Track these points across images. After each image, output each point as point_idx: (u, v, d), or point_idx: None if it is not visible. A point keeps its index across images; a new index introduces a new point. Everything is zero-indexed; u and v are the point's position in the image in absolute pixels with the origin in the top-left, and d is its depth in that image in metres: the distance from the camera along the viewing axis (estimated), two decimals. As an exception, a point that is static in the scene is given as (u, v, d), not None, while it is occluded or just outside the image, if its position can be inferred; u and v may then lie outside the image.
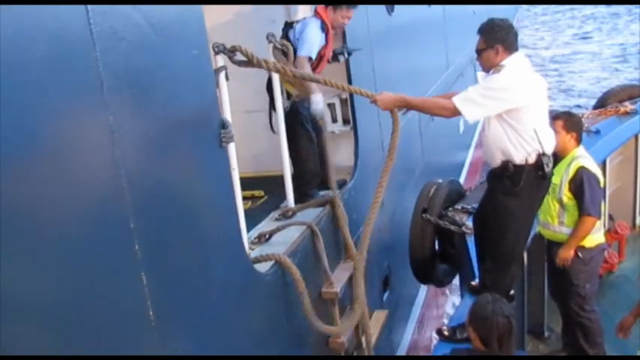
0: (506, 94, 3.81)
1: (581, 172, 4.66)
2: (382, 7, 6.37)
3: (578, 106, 16.81)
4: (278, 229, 3.96)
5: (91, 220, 2.00)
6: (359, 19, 5.16)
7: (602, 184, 4.79)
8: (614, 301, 5.93)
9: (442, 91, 7.55)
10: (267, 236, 3.88)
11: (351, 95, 5.10)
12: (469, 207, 5.57)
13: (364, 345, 4.33)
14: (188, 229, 2.53)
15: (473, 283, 4.92)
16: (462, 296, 5.02)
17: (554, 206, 4.83)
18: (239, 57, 3.31)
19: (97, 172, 2.05)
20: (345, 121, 5.61)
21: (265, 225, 4.19)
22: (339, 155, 5.36)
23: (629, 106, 7.53)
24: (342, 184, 4.94)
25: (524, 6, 43.32)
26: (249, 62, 3.27)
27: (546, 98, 4.12)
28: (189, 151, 2.63)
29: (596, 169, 4.76)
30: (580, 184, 4.63)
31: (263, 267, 3.30)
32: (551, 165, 4.02)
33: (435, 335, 5.42)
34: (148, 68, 2.32)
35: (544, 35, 35.78)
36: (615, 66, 23.89)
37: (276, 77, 4.18)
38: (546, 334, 5.67)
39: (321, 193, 4.73)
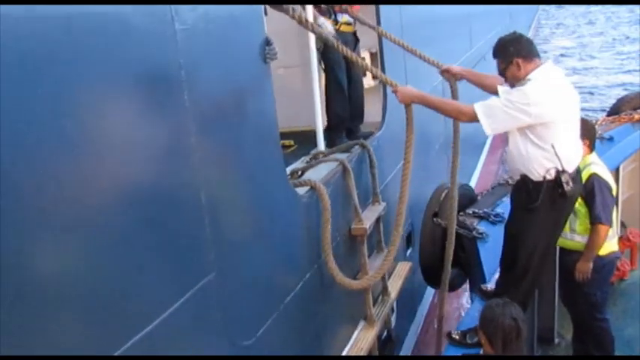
0: (529, 109, 3.67)
1: (593, 179, 4.62)
2: None
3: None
4: (311, 166, 4.04)
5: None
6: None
7: (614, 192, 4.76)
8: (625, 309, 5.89)
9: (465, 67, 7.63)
10: (299, 172, 3.90)
11: (381, 49, 5.18)
12: (480, 211, 5.58)
13: (389, 289, 4.53)
14: (241, 155, 2.88)
15: (484, 286, 4.91)
16: (472, 300, 5.00)
17: None
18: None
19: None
20: (374, 76, 5.64)
21: (297, 165, 4.23)
22: (367, 110, 5.41)
23: (643, 113, 7.49)
24: (367, 136, 5.01)
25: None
26: (280, 8, 3.21)
27: (576, 112, 4.00)
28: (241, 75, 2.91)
29: (608, 177, 4.73)
30: (591, 191, 4.59)
31: (300, 191, 3.55)
32: (572, 183, 3.88)
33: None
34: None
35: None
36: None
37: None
38: (556, 340, 5.65)
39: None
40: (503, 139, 13.39)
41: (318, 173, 3.93)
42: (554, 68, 3.96)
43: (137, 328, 2.13)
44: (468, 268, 5.52)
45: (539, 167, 3.86)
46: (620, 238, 6.40)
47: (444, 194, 5.54)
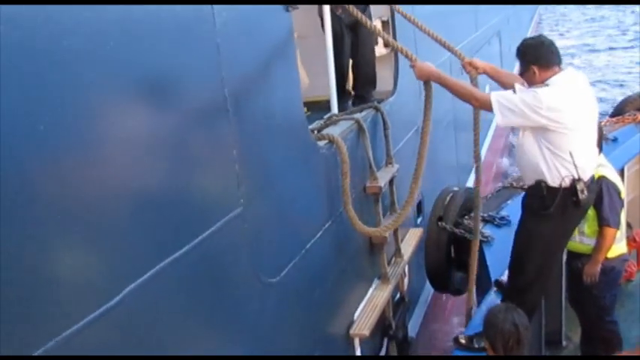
0: (541, 112, 3.66)
1: (601, 181, 4.59)
2: None
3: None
4: (327, 125, 4.09)
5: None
6: None
7: (622, 194, 4.74)
8: (632, 310, 5.86)
9: (467, 50, 7.66)
10: (315, 132, 3.92)
11: (393, 18, 5.27)
12: (485, 215, 5.56)
13: (402, 251, 4.70)
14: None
15: (500, 279, 4.90)
16: (478, 304, 4.99)
17: None
18: None
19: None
20: (386, 44, 5.80)
21: (312, 126, 4.29)
22: (378, 78, 5.49)
23: (646, 114, 7.47)
24: (379, 102, 5.07)
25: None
26: None
27: (594, 120, 3.97)
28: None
29: (616, 179, 4.73)
30: (599, 193, 4.56)
31: (319, 143, 3.71)
32: (587, 192, 3.84)
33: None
34: None
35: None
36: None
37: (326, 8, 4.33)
38: (564, 343, 5.62)
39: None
40: (503, 145, 13.39)
41: (335, 131, 4.01)
42: (574, 75, 3.91)
43: (167, 253, 2.23)
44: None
45: (556, 174, 3.82)
46: (627, 240, 6.38)
47: (448, 198, 5.54)
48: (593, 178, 4.05)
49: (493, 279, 5.03)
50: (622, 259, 4.88)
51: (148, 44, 2.18)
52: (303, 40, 4.78)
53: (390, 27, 5.44)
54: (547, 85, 3.76)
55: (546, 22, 37.58)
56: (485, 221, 5.51)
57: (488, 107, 3.76)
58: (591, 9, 41.55)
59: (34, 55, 1.71)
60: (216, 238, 2.50)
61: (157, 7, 2.22)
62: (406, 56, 4.11)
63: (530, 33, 24.59)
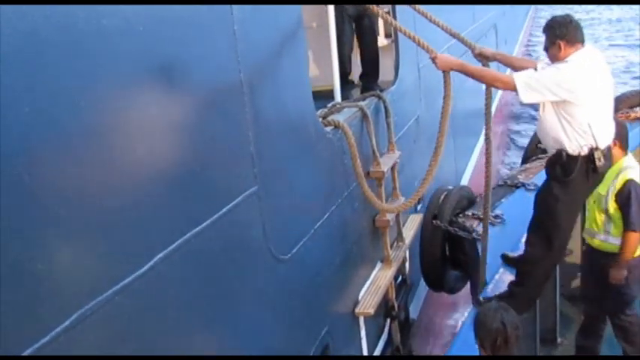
0: (562, 86, 3.90)
1: (629, 184, 4.61)
2: None
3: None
4: (331, 112, 4.19)
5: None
6: None
7: None
8: None
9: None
10: (321, 118, 4.03)
11: (394, 9, 5.35)
12: (479, 213, 5.57)
13: (404, 235, 4.87)
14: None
15: (510, 254, 5.01)
16: (473, 303, 5.00)
17: (600, 216, 4.80)
18: None
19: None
20: (387, 35, 5.97)
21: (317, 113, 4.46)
22: (380, 68, 5.63)
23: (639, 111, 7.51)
24: (381, 90, 5.15)
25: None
26: None
27: (610, 94, 4.23)
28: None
29: None
30: (627, 197, 4.58)
31: (326, 129, 3.86)
32: (603, 159, 4.10)
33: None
34: None
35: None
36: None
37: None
38: (559, 340, 5.65)
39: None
40: (498, 142, 13.41)
41: (339, 118, 4.12)
42: (592, 52, 4.15)
43: (188, 227, 2.35)
44: (469, 270, 5.53)
45: (575, 143, 4.05)
46: None
47: (442, 196, 5.55)
48: (609, 147, 4.24)
49: (488, 275, 5.03)
50: None
51: (171, 34, 2.30)
52: (306, 30, 4.85)
53: (391, 15, 5.46)
54: (566, 61, 3.98)
55: (545, 17, 37.58)
56: (480, 220, 5.51)
57: (512, 87, 3.97)
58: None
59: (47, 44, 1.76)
60: (233, 215, 2.65)
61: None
62: (427, 50, 4.19)
63: (525, 26, 24.67)
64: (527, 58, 4.47)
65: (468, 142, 10.45)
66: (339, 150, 3.92)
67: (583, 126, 3.99)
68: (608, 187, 4.69)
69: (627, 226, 4.61)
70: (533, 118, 15.30)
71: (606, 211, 4.75)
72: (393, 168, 4.77)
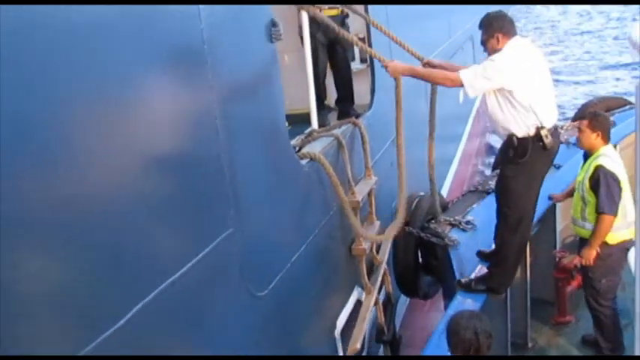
0: (500, 73, 4.21)
1: (599, 170, 4.84)
2: None
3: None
4: (308, 141, 4.27)
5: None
6: None
7: (623, 184, 4.89)
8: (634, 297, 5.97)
9: (442, 56, 8.01)
10: (296, 148, 4.09)
11: (369, 35, 5.54)
12: (451, 219, 5.62)
13: (379, 256, 4.88)
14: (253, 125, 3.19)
15: (483, 250, 5.20)
16: (446, 308, 5.04)
17: (579, 203, 5.07)
18: None
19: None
20: (363, 60, 6.13)
21: (294, 142, 4.40)
22: (357, 92, 5.76)
23: (606, 117, 7.64)
24: (357, 116, 5.25)
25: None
26: None
27: (546, 77, 4.50)
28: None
29: (615, 168, 4.89)
30: (597, 181, 4.83)
31: (302, 162, 3.89)
32: (550, 137, 4.34)
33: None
34: None
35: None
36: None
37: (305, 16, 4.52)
38: (529, 344, 5.71)
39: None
40: (477, 147, 13.52)
41: (315, 147, 4.18)
42: (524, 41, 4.50)
43: (167, 274, 2.36)
44: (441, 276, 5.57)
45: (522, 125, 4.33)
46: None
47: (414, 203, 5.59)
48: (556, 127, 4.52)
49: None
50: (622, 246, 5.01)
51: (136, 67, 2.25)
52: (282, 54, 4.87)
53: (366, 41, 5.58)
54: (501, 51, 4.31)
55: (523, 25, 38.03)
56: (452, 225, 5.57)
57: (460, 83, 4.30)
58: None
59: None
60: (210, 258, 2.65)
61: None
62: (378, 59, 4.42)
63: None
64: (452, 64, 4.86)
65: (446, 149, 10.54)
66: (315, 181, 3.97)
67: (526, 107, 4.27)
68: (584, 174, 4.96)
69: (597, 208, 4.84)
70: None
71: (583, 197, 5.00)
72: (370, 193, 4.79)
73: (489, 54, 4.43)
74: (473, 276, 4.99)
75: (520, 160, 4.39)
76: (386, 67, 4.39)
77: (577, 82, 21.96)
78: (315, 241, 3.92)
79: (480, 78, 4.24)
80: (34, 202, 1.79)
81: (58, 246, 1.89)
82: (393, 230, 4.59)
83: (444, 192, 9.30)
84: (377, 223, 4.80)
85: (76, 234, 1.94)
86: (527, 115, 4.29)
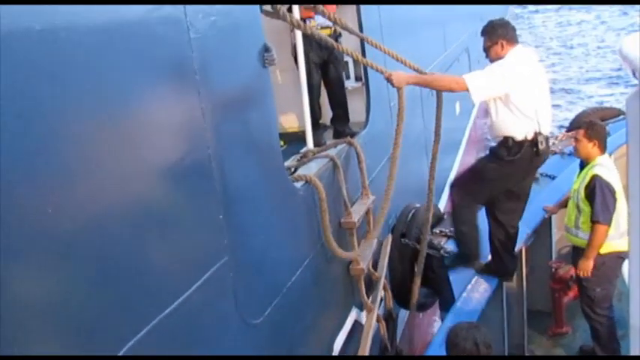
0: (506, 80, 4.28)
1: (595, 179, 4.86)
2: None
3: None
4: (303, 163, 4.26)
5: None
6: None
7: (618, 194, 4.91)
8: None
9: (439, 70, 8.11)
10: (292, 169, 4.08)
11: (363, 52, 5.41)
12: (447, 230, 5.62)
13: (377, 272, 4.83)
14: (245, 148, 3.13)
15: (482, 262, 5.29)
16: (442, 320, 5.03)
17: (574, 211, 5.10)
18: (267, 7, 3.47)
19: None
20: (358, 78, 6.10)
21: (288, 162, 4.37)
22: (352, 110, 5.73)
23: (601, 127, 7.67)
24: (353, 135, 5.21)
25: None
26: (275, 13, 3.44)
27: (546, 85, 4.64)
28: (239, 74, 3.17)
29: (611, 178, 4.92)
30: (592, 190, 4.85)
31: (297, 185, 3.83)
32: (545, 144, 4.47)
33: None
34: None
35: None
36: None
37: (299, 33, 4.49)
38: (527, 355, 5.70)
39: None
40: (474, 160, 13.52)
41: (310, 169, 4.16)
42: (527, 49, 4.63)
43: (161, 308, 2.31)
44: (437, 287, 5.56)
45: (521, 130, 4.42)
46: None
47: (410, 215, 5.58)
48: (548, 136, 4.61)
49: (457, 291, 5.07)
50: (616, 256, 5.02)
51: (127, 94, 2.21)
52: (276, 74, 4.89)
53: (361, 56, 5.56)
54: (505, 58, 4.41)
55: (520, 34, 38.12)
56: (448, 237, 5.57)
57: (465, 88, 4.29)
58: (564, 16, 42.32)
59: None
60: (204, 288, 2.60)
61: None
62: (380, 71, 4.36)
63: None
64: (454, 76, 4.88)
65: (443, 161, 10.53)
66: (310, 204, 3.92)
67: (526, 113, 4.36)
68: (580, 182, 4.99)
69: (592, 217, 4.86)
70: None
71: (578, 206, 5.02)
72: (367, 212, 4.77)
73: (491, 60, 4.52)
74: (460, 304, 5.02)
75: (509, 158, 4.49)
76: (389, 79, 4.31)
77: (570, 92, 22.09)
78: (312, 265, 3.87)
79: (484, 84, 4.29)
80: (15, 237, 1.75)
81: (49, 276, 1.86)
82: (369, 249, 4.59)
83: (441, 204, 9.31)
84: (374, 242, 4.77)
85: (67, 267, 1.91)
86: (527, 121, 4.37)
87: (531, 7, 37.90)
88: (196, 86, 2.62)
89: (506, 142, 4.50)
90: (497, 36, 4.49)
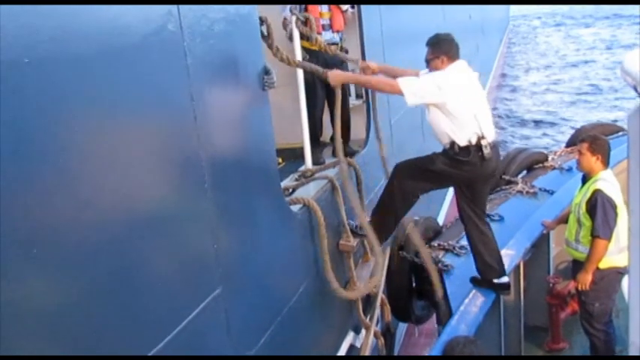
0: (440, 89, 4.33)
1: (597, 194, 4.86)
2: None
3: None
4: (301, 184, 4.22)
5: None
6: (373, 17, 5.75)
7: (619, 209, 4.90)
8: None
9: None
10: (290, 190, 4.06)
11: (362, 46, 5.53)
12: (445, 243, 5.62)
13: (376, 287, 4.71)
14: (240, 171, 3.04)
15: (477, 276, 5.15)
16: (439, 334, 5.00)
17: (575, 225, 5.09)
18: (263, 29, 3.48)
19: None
20: (358, 96, 6.16)
21: (287, 182, 4.33)
22: (352, 127, 5.72)
23: (600, 143, 7.68)
24: (353, 154, 5.24)
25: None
26: (267, 37, 3.50)
27: (482, 96, 4.74)
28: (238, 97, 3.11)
29: (613, 193, 4.91)
30: (594, 205, 4.84)
31: (294, 208, 3.78)
32: (490, 149, 4.48)
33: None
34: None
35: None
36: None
37: (298, 52, 4.54)
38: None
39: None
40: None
41: (309, 191, 4.13)
42: (465, 65, 4.65)
43: (154, 342, 2.27)
44: (435, 300, 5.53)
45: (464, 135, 4.45)
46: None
47: (408, 227, 5.57)
48: (495, 143, 4.64)
49: (454, 305, 5.05)
50: (615, 271, 5.00)
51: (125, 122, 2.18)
52: (278, 88, 4.90)
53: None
54: (444, 70, 4.48)
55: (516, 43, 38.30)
56: (445, 250, 5.56)
57: (399, 91, 4.36)
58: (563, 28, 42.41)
59: None
60: (198, 320, 2.55)
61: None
62: (315, 72, 4.38)
63: (499, 54, 25.22)
64: (409, 69, 4.90)
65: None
66: (308, 227, 3.87)
67: (469, 119, 4.41)
68: (582, 196, 4.99)
69: (593, 232, 4.86)
70: (501, 150, 15.57)
71: (579, 220, 5.02)
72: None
73: (430, 71, 4.59)
74: (456, 319, 4.86)
75: (460, 158, 4.48)
76: (326, 77, 4.42)
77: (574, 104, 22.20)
78: (307, 290, 3.80)
79: (420, 90, 4.35)
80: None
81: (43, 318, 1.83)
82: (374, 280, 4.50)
83: (440, 218, 9.30)
84: (372, 262, 4.72)
85: (61, 313, 1.87)
86: (468, 125, 4.42)
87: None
88: (193, 112, 2.55)
89: (453, 147, 4.52)
90: (440, 51, 4.56)
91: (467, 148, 4.47)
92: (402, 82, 4.36)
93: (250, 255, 3.11)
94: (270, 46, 3.57)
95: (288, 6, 4.93)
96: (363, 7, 5.53)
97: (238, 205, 3.01)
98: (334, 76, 4.44)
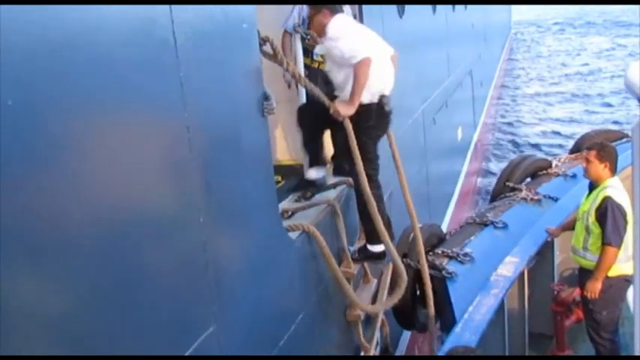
0: (361, 46, 4.22)
1: (607, 201, 4.84)
2: (394, 9, 6.73)
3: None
4: (304, 208, 4.13)
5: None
6: (374, 21, 5.66)
7: (629, 216, 4.86)
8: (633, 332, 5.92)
9: (443, 96, 8.26)
10: (289, 213, 3.98)
11: None
12: (449, 251, 5.60)
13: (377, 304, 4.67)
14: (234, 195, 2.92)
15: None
16: (443, 342, 4.98)
17: (582, 233, 5.06)
18: (267, 48, 3.47)
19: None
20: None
21: (286, 204, 4.25)
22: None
23: (604, 150, 7.67)
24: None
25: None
26: (274, 56, 3.47)
27: (380, 45, 4.59)
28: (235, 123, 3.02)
29: (623, 200, 4.90)
30: (604, 213, 4.82)
31: (292, 235, 3.65)
32: (390, 105, 4.48)
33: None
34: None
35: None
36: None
37: (300, 67, 4.49)
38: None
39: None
40: (474, 182, 13.58)
41: (308, 216, 4.02)
42: (348, 16, 4.59)
43: None
44: (439, 308, 5.52)
45: (368, 93, 4.32)
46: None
47: (412, 236, 5.56)
48: (388, 97, 4.53)
49: (458, 315, 5.04)
50: (623, 279, 4.98)
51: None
52: (278, 105, 4.88)
53: None
54: (337, 25, 4.33)
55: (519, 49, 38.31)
56: (449, 257, 5.54)
57: (366, 62, 4.19)
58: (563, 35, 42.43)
59: None
60: None
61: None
62: (322, 101, 4.23)
63: (502, 60, 25.24)
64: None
65: (446, 183, 10.52)
66: (308, 255, 3.78)
67: (375, 76, 4.29)
68: (590, 204, 4.96)
69: (604, 239, 4.83)
70: (505, 157, 15.60)
71: (587, 228, 4.99)
72: None
73: (316, 30, 4.46)
74: (460, 328, 4.85)
75: (366, 124, 4.39)
76: (336, 112, 4.22)
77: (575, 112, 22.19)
78: (306, 319, 3.69)
79: (358, 45, 4.20)
80: None
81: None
82: (387, 301, 4.46)
83: (444, 226, 9.29)
84: (373, 282, 4.67)
85: (52, 345, 1.81)
86: (373, 84, 4.30)
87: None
88: (188, 142, 2.47)
89: (358, 107, 4.34)
90: (320, 3, 4.43)
91: (369, 107, 4.37)
92: (357, 55, 4.18)
93: (246, 290, 2.97)
94: (280, 64, 3.53)
95: (290, 20, 4.91)
96: (364, 16, 5.51)
97: (235, 238, 2.92)
98: (344, 109, 4.23)
